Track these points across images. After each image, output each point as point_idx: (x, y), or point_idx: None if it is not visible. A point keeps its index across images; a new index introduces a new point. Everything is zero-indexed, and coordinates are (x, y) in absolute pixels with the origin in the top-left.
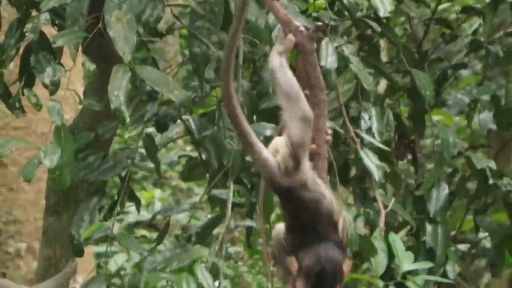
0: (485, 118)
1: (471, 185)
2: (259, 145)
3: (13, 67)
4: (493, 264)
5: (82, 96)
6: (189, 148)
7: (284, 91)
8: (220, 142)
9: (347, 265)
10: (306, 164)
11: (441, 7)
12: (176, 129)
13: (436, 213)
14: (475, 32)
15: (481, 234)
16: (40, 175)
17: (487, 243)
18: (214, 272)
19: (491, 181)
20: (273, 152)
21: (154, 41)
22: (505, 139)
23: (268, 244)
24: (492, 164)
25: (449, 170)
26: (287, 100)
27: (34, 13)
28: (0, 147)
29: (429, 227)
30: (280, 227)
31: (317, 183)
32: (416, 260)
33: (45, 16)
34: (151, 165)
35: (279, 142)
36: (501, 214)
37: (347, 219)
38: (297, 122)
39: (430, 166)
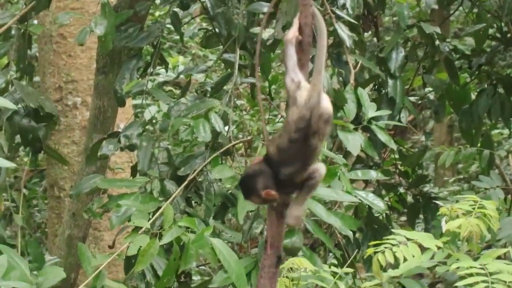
0: None
1: (420, 52)
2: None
3: None
4: (436, 112)
5: None
6: (205, 24)
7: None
8: (229, 17)
9: (267, 193)
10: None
11: None
12: (194, 7)
13: (396, 70)
14: None
15: (427, 89)
16: (91, 45)
17: (432, 96)
18: (224, 119)
19: (437, 42)
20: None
21: None
22: (444, 16)
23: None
24: (438, 30)
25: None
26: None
27: None
28: (62, 17)
29: (390, 81)
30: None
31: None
32: (378, 109)
33: None
34: (176, 37)
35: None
36: (443, 73)
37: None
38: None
39: (388, 38)
